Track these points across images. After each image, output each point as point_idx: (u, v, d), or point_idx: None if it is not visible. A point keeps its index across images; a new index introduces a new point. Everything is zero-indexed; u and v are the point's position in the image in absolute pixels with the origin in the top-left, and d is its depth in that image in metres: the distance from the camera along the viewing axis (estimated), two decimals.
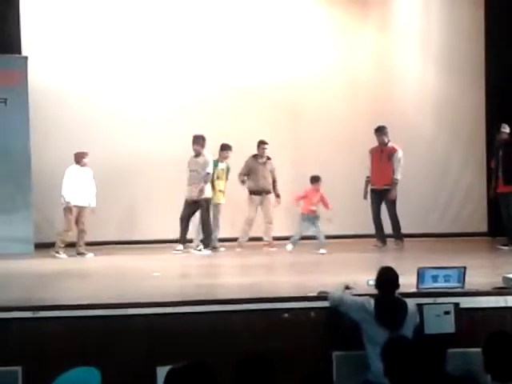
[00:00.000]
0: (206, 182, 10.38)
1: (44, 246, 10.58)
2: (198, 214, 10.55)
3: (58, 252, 10.12)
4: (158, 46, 11.76)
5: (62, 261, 9.77)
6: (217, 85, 11.79)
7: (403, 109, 12.14)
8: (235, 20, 11.97)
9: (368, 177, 10.57)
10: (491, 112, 11.93)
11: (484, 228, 11.87)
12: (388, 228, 10.59)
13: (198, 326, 5.72)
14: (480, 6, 12.22)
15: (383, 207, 10.55)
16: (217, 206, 10.74)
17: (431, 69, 12.39)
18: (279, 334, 5.76)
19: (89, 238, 10.50)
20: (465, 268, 6.12)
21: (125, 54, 11.70)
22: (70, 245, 10.39)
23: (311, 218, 10.23)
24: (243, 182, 10.72)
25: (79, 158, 10.36)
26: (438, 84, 12.31)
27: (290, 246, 10.20)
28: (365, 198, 10.52)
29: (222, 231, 10.95)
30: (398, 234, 10.49)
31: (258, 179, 10.65)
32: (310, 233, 10.28)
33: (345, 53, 12.21)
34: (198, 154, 10.49)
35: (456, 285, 6.10)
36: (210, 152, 10.68)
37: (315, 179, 10.21)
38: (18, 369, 5.47)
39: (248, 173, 10.73)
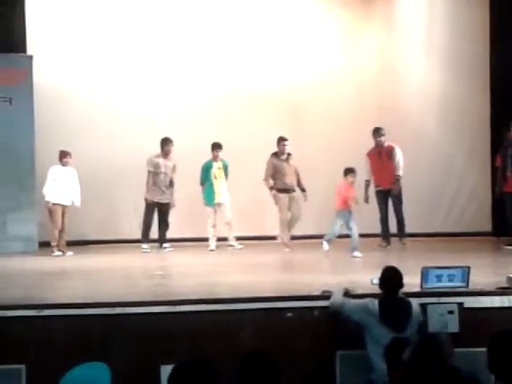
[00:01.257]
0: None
1: (48, 245, 10.59)
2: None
3: (52, 251, 10.19)
4: (160, 47, 11.76)
5: (65, 259, 9.79)
6: (220, 86, 11.77)
7: (407, 108, 12.13)
8: (238, 22, 11.96)
9: (367, 180, 10.55)
10: (496, 111, 11.92)
11: (488, 228, 11.85)
12: (393, 227, 10.59)
13: (202, 324, 5.73)
14: (484, 5, 12.19)
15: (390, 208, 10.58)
16: (220, 205, 10.74)
17: (435, 68, 12.38)
18: (282, 333, 5.76)
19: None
20: (469, 268, 6.12)
21: (129, 54, 11.70)
22: (70, 243, 10.47)
23: (347, 213, 9.61)
24: (270, 183, 10.60)
25: (61, 158, 10.39)
26: (443, 83, 12.29)
27: (326, 245, 9.70)
28: (366, 201, 10.48)
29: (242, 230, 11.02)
30: (403, 233, 10.51)
31: (284, 177, 10.52)
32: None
33: (349, 53, 12.20)
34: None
35: (460, 284, 6.10)
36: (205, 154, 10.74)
37: (350, 171, 9.57)
38: (22, 367, 5.48)
39: (273, 173, 10.64)
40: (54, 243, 10.25)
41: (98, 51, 11.63)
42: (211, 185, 10.70)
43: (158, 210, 10.76)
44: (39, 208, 10.65)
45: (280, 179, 10.59)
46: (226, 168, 10.83)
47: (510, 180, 10.09)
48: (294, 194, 10.64)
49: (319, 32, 12.16)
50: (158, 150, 10.77)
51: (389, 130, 10.61)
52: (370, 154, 10.62)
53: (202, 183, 10.80)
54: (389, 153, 10.44)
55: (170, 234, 10.92)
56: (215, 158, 10.75)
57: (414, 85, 12.39)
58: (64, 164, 10.39)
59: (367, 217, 10.72)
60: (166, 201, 10.74)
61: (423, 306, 5.75)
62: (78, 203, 10.46)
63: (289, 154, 10.68)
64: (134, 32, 11.71)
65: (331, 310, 5.72)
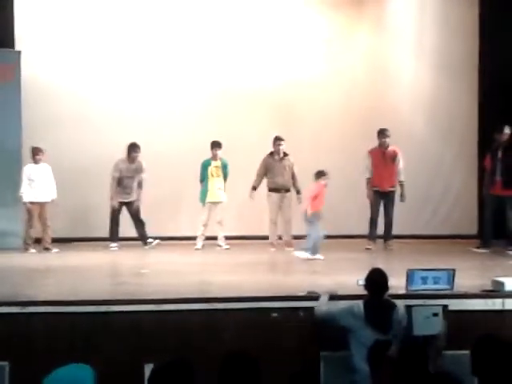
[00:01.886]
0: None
1: (35, 242, 10.56)
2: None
3: (27, 249, 10.16)
4: (152, 44, 11.71)
5: (49, 256, 9.74)
6: (212, 86, 11.74)
7: (396, 109, 12.15)
8: (232, 23, 11.92)
9: (368, 178, 10.56)
10: (484, 113, 11.95)
11: (474, 230, 11.88)
12: (380, 229, 10.64)
13: (186, 323, 5.73)
14: (474, 6, 12.22)
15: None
16: (215, 204, 10.74)
17: (425, 69, 12.40)
18: (267, 333, 5.77)
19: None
20: (454, 270, 6.14)
21: (119, 50, 11.65)
22: (58, 240, 10.47)
23: (319, 216, 9.45)
24: (255, 182, 10.64)
25: (33, 155, 10.34)
26: (432, 84, 12.32)
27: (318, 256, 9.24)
28: (368, 197, 10.56)
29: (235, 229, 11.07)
30: (390, 235, 10.56)
31: (274, 177, 10.58)
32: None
33: (340, 54, 12.19)
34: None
35: (445, 287, 6.12)
36: (206, 153, 10.72)
37: (323, 173, 9.42)
38: (5, 364, 5.46)
39: (265, 171, 10.65)
40: (29, 241, 10.23)
41: (87, 46, 11.57)
42: (207, 183, 10.71)
43: (128, 211, 10.75)
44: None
45: (271, 178, 10.63)
46: (225, 167, 10.81)
47: (497, 183, 10.12)
48: (286, 194, 10.64)
49: (311, 33, 12.16)
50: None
51: (377, 130, 10.64)
52: (372, 153, 10.61)
53: (202, 181, 10.79)
54: (393, 156, 10.50)
55: (166, 233, 10.92)
56: (214, 157, 10.75)
57: (404, 85, 12.42)
58: (37, 161, 10.34)
59: (356, 218, 10.77)
60: (131, 199, 10.71)
61: (408, 307, 5.75)
62: (54, 196, 10.42)
63: (285, 154, 10.69)
64: (125, 27, 11.65)
65: (317, 319, 5.69)
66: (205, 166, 10.77)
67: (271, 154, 10.70)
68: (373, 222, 10.59)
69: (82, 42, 11.55)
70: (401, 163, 10.52)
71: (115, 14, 11.67)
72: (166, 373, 3.43)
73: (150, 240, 10.70)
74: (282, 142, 10.63)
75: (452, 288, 6.11)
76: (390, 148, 10.56)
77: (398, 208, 11.03)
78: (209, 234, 10.75)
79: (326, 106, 11.94)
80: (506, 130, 10.09)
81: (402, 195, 10.54)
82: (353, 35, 12.30)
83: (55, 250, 10.23)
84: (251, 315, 5.83)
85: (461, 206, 11.25)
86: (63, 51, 11.50)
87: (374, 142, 10.61)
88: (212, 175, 10.72)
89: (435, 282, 6.13)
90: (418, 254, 9.62)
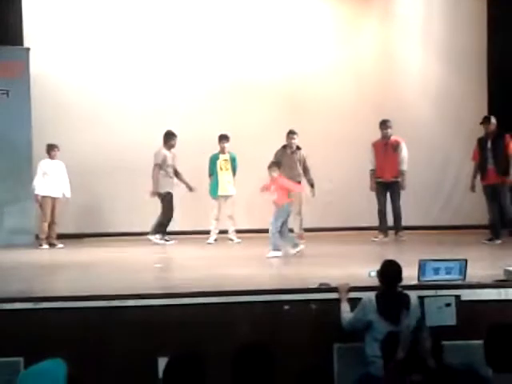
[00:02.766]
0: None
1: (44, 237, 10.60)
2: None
3: (41, 244, 10.23)
4: (159, 39, 11.76)
5: (61, 252, 9.78)
6: (219, 79, 11.80)
7: (405, 100, 12.14)
8: (238, 14, 11.96)
9: (372, 170, 10.60)
10: (493, 103, 11.94)
11: (485, 220, 11.83)
12: (389, 220, 10.62)
13: (199, 317, 5.73)
14: None
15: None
16: (225, 197, 10.74)
17: (433, 60, 12.38)
18: (280, 326, 5.77)
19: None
20: (466, 260, 6.13)
21: (127, 46, 11.69)
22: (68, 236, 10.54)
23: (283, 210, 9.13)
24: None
25: (48, 151, 10.44)
26: (440, 75, 12.31)
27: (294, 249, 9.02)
28: (372, 189, 10.62)
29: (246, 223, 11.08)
30: (400, 226, 10.55)
31: (284, 170, 10.58)
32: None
33: (347, 45, 12.21)
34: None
35: (457, 277, 6.11)
36: (213, 146, 10.70)
37: (275, 164, 9.20)
38: (20, 359, 5.48)
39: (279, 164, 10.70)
40: (42, 236, 10.32)
41: (95, 43, 11.63)
42: (217, 177, 10.72)
43: None
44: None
45: (282, 171, 10.61)
46: (233, 160, 10.84)
47: (490, 172, 10.10)
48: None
49: (318, 24, 12.17)
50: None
51: None
52: (375, 145, 10.66)
53: (210, 175, 10.81)
54: (395, 146, 10.52)
55: (177, 228, 10.94)
56: (222, 150, 10.76)
57: (412, 76, 12.41)
58: (52, 157, 10.43)
59: (366, 210, 10.75)
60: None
61: (420, 298, 5.75)
62: (68, 194, 10.51)
63: (298, 148, 10.68)
64: (134, 23, 11.71)
65: (346, 328, 5.64)
66: (213, 159, 10.79)
67: (284, 147, 10.70)
68: (381, 214, 10.59)
69: (90, 38, 11.61)
70: (403, 152, 10.51)
71: (124, 9, 11.72)
72: (180, 365, 3.45)
73: (166, 238, 10.65)
74: (295, 136, 10.63)
75: (464, 278, 6.10)
76: (393, 138, 10.58)
77: (410, 199, 11.03)
78: (220, 227, 10.77)
79: (333, 97, 11.95)
80: (493, 120, 10.13)
81: (401, 184, 10.49)
82: (361, 26, 12.30)
83: (60, 245, 10.30)
84: (263, 308, 5.83)
85: (472, 196, 11.17)
86: (72, 48, 11.56)
87: (392, 132, 10.60)
88: (221, 169, 10.74)
89: (447, 273, 6.12)
90: (429, 244, 9.63)
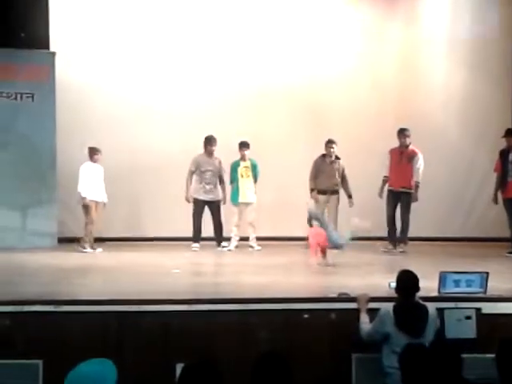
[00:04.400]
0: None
1: (67, 241, 10.68)
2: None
3: (84, 247, 10.18)
4: (184, 44, 11.76)
5: (83, 255, 9.79)
6: (240, 85, 11.79)
7: (428, 109, 12.07)
8: (258, 18, 11.93)
9: (386, 176, 10.52)
10: None
11: (508, 233, 11.75)
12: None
13: (218, 324, 5.73)
14: (509, 5, 12.12)
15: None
16: (246, 204, 10.76)
17: (458, 69, 12.30)
18: (299, 335, 5.76)
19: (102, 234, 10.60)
20: (487, 273, 6.08)
21: (151, 51, 11.72)
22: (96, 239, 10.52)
23: None
24: (311, 184, 10.65)
25: (91, 155, 10.40)
26: (465, 84, 12.23)
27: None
28: (380, 196, 10.50)
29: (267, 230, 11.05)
30: (405, 237, 10.42)
31: (323, 179, 10.60)
32: None
33: (371, 51, 12.13)
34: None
35: (478, 290, 6.06)
36: (230, 152, 10.74)
37: None
38: (39, 362, 5.52)
39: (316, 173, 10.67)
40: (86, 239, 10.25)
41: (121, 48, 11.67)
42: (237, 184, 10.74)
43: (209, 210, 10.74)
44: (59, 204, 10.74)
45: (320, 180, 10.63)
46: (254, 167, 10.80)
47: (510, 186, 10.03)
48: (332, 196, 10.62)
49: (341, 30, 12.13)
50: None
51: (408, 129, 10.55)
52: (392, 152, 10.55)
53: (231, 182, 10.83)
54: (410, 157, 10.36)
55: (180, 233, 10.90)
56: (243, 157, 10.77)
57: (436, 84, 12.32)
58: (94, 161, 10.41)
59: (374, 220, 10.68)
60: (214, 198, 10.72)
61: (440, 310, 5.71)
62: (105, 199, 10.49)
63: (337, 158, 10.68)
64: (158, 29, 11.73)
65: (365, 339, 5.62)
66: (234, 167, 10.79)
67: (323, 156, 10.69)
68: (389, 223, 10.48)
69: (115, 43, 11.66)
70: (419, 164, 10.32)
71: (148, 15, 11.74)
72: (196, 373, 3.45)
73: (224, 244, 10.65)
74: (334, 145, 10.61)
75: (485, 291, 6.06)
76: (410, 148, 10.45)
77: (431, 210, 10.97)
78: (240, 234, 10.77)
79: (355, 104, 11.90)
80: None
81: (414, 196, 10.31)
82: (384, 32, 12.25)
83: (99, 249, 10.27)
84: (282, 316, 5.82)
85: (495, 208, 11.10)
86: (97, 52, 11.61)
87: (410, 141, 10.53)
88: (242, 176, 10.74)
89: (468, 285, 6.08)
90: (451, 256, 9.54)
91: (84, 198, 10.24)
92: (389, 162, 10.52)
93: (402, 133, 10.44)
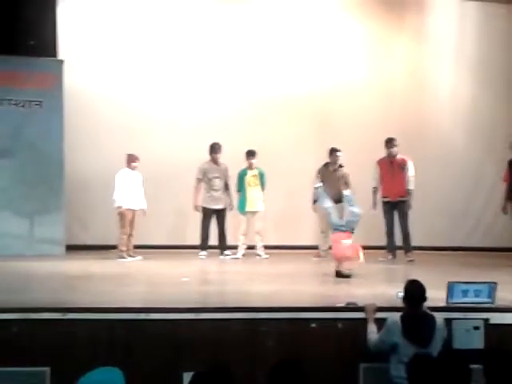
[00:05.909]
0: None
1: (75, 248, 10.70)
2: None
3: (122, 257, 10.11)
4: (192, 54, 11.83)
5: (90, 263, 9.77)
6: (248, 94, 11.86)
7: (436, 120, 12.10)
8: (267, 30, 12.01)
9: (375, 187, 10.51)
10: None
11: None
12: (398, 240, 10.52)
13: (225, 332, 5.72)
14: None
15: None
16: (253, 213, 10.75)
17: (465, 80, 12.34)
18: (306, 344, 5.74)
19: (140, 241, 10.58)
20: (495, 283, 6.06)
21: (159, 60, 11.78)
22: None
23: None
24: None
25: (129, 162, 10.31)
26: (472, 96, 12.26)
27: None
28: (374, 208, 10.47)
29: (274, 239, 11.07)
30: (409, 246, 10.41)
31: (326, 187, 10.56)
32: None
33: (378, 63, 12.20)
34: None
35: (486, 300, 6.04)
36: (237, 161, 10.75)
37: None
38: (47, 369, 5.52)
39: (320, 182, 10.65)
40: (123, 248, 10.16)
41: (128, 56, 11.73)
42: (245, 192, 10.74)
43: (216, 218, 10.78)
44: (67, 211, 10.75)
45: (325, 189, 10.60)
46: (262, 176, 10.81)
47: None
48: (336, 205, 10.58)
49: (349, 41, 12.20)
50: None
51: (415, 141, 10.59)
52: (380, 163, 10.55)
53: (239, 190, 10.84)
54: (402, 165, 10.38)
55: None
56: (250, 166, 10.77)
57: (443, 96, 12.36)
58: (133, 168, 10.34)
59: (373, 228, 10.66)
60: (221, 207, 10.76)
61: (448, 321, 5.69)
62: (145, 206, 10.39)
63: (340, 166, 10.69)
64: (164, 39, 11.80)
65: (372, 350, 5.61)
66: (241, 175, 10.80)
67: (326, 164, 10.69)
68: (388, 234, 10.48)
69: (123, 51, 11.72)
70: (410, 171, 10.33)
71: (156, 24, 11.82)
72: (205, 381, 3.44)
73: (227, 252, 10.68)
74: (339, 153, 10.63)
75: (493, 302, 6.04)
76: (399, 157, 10.45)
77: (438, 219, 10.96)
78: (247, 242, 10.77)
79: (362, 115, 11.93)
80: None
81: (408, 204, 10.31)
82: (392, 44, 12.31)
83: (138, 257, 10.22)
84: (289, 325, 5.81)
85: (503, 218, 11.09)
86: (105, 60, 11.68)
87: (411, 152, 10.52)
88: (249, 185, 10.74)
89: (476, 296, 6.05)
90: (458, 266, 9.53)
91: (120, 207, 10.16)
92: (378, 172, 10.51)
93: (391, 142, 10.43)
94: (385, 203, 10.48)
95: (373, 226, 10.53)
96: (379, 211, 10.50)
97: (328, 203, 9.06)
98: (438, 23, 12.43)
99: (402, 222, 10.41)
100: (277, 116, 11.85)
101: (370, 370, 5.68)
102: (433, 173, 10.50)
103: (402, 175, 10.35)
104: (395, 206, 10.42)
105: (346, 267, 8.27)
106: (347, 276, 8.14)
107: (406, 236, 10.40)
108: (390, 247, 10.46)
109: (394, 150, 10.41)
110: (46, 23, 11.16)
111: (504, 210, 10.38)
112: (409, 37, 12.37)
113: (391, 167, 10.43)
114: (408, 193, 10.31)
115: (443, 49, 12.40)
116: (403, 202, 10.36)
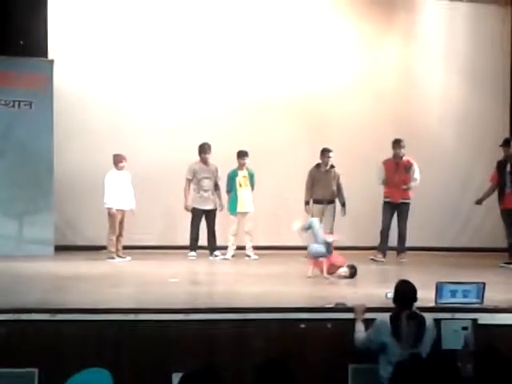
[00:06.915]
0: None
1: (64, 249, 10.67)
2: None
3: (112, 257, 10.08)
4: (182, 55, 11.83)
5: (80, 264, 9.74)
6: (238, 95, 11.86)
7: (426, 120, 12.14)
8: (258, 31, 12.02)
9: (382, 184, 10.51)
10: None
11: (505, 243, 11.75)
12: (392, 241, 10.55)
13: (214, 333, 5.72)
14: (506, 18, 12.25)
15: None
16: (243, 214, 10.74)
17: (455, 80, 12.39)
18: (295, 345, 5.75)
19: (130, 242, 10.54)
20: (484, 284, 6.08)
21: (150, 61, 11.77)
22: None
23: None
24: (306, 196, 10.69)
25: (116, 162, 10.26)
26: (462, 96, 12.31)
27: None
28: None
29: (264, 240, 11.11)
30: (403, 248, 10.45)
31: (318, 188, 10.60)
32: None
33: (369, 64, 12.23)
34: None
35: (475, 300, 6.06)
36: (228, 162, 10.74)
37: None
38: (35, 371, 5.50)
39: (312, 183, 10.68)
40: (112, 249, 10.12)
41: (119, 56, 11.71)
42: (235, 193, 10.73)
43: (205, 219, 10.74)
44: (56, 212, 10.72)
45: (316, 190, 10.62)
46: (251, 177, 10.81)
47: (507, 197, 10.03)
48: (328, 205, 10.61)
49: (340, 42, 12.23)
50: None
51: (406, 141, 10.57)
52: (386, 163, 10.55)
53: (228, 191, 10.82)
54: (407, 167, 10.40)
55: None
56: (241, 166, 10.76)
57: (434, 96, 12.41)
58: (120, 168, 10.28)
59: (366, 229, 10.67)
60: (211, 207, 10.73)
61: (437, 321, 5.70)
62: (133, 206, 10.33)
63: (331, 166, 10.68)
64: (157, 39, 11.79)
65: (358, 348, 5.61)
66: (232, 176, 10.79)
67: (317, 165, 10.69)
68: (383, 234, 10.48)
69: (114, 51, 11.70)
70: (416, 174, 10.38)
71: (146, 25, 11.80)
72: (194, 382, 3.44)
73: (216, 253, 10.64)
74: (331, 154, 10.62)
75: (482, 302, 6.05)
76: (405, 158, 10.47)
77: (427, 220, 10.97)
78: (237, 243, 10.77)
79: (353, 115, 11.98)
80: None
81: (409, 206, 10.38)
82: (382, 44, 12.35)
83: (127, 257, 10.18)
84: (279, 326, 5.81)
85: (491, 218, 11.14)
86: (96, 61, 11.65)
87: (405, 152, 10.54)
88: (240, 185, 10.73)
89: (465, 296, 6.07)
90: (447, 266, 9.55)
91: (110, 209, 10.12)
92: (383, 173, 10.50)
93: (398, 143, 10.44)
94: (386, 203, 10.49)
95: (366, 227, 10.58)
96: (377, 212, 10.50)
97: (318, 240, 8.76)
98: (428, 23, 12.48)
99: (401, 224, 10.44)
100: (267, 116, 11.86)
101: (359, 370, 5.69)
102: (422, 173, 10.50)
103: (406, 177, 10.37)
104: (396, 208, 10.44)
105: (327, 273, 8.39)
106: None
107: (402, 238, 10.43)
108: (382, 247, 10.46)
109: (401, 151, 10.41)
110: (36, 23, 11.12)
111: (479, 201, 10.39)
112: (399, 37, 12.42)
113: (397, 168, 10.44)
114: (408, 188, 10.33)
115: (433, 49, 12.45)
116: (405, 203, 10.39)
